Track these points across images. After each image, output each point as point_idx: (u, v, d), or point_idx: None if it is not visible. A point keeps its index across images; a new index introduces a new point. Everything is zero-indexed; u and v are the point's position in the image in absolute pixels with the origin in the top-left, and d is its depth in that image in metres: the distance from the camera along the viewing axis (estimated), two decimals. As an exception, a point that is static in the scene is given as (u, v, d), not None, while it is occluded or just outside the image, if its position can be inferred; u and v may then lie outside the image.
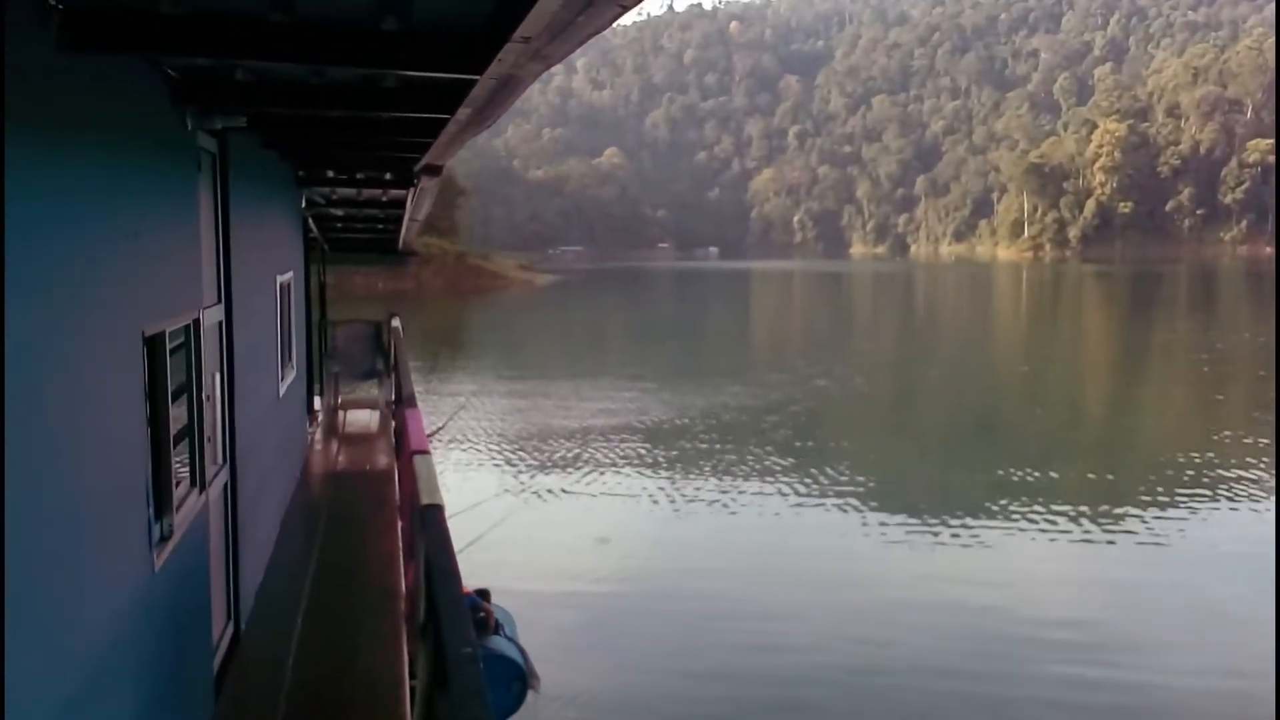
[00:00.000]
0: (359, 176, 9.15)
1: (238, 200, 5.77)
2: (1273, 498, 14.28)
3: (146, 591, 3.59)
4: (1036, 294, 75.86)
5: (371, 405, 13.25)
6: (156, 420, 3.87)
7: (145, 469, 3.59)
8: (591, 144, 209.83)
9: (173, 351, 4.12)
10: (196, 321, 4.56)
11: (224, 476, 5.54)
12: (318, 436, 11.54)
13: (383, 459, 10.49)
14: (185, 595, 4.32)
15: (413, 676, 5.16)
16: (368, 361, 13.54)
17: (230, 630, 5.63)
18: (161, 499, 3.93)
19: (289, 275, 8.86)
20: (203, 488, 4.71)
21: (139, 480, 3.54)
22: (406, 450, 4.99)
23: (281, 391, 8.16)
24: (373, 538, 7.62)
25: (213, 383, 4.97)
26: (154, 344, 3.82)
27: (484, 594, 5.78)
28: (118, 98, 3.42)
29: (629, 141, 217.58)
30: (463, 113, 4.58)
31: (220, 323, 5.48)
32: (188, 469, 4.52)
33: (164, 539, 3.92)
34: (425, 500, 3.74)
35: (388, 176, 8.97)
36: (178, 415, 4.28)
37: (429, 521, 3.53)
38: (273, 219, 7.69)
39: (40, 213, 2.62)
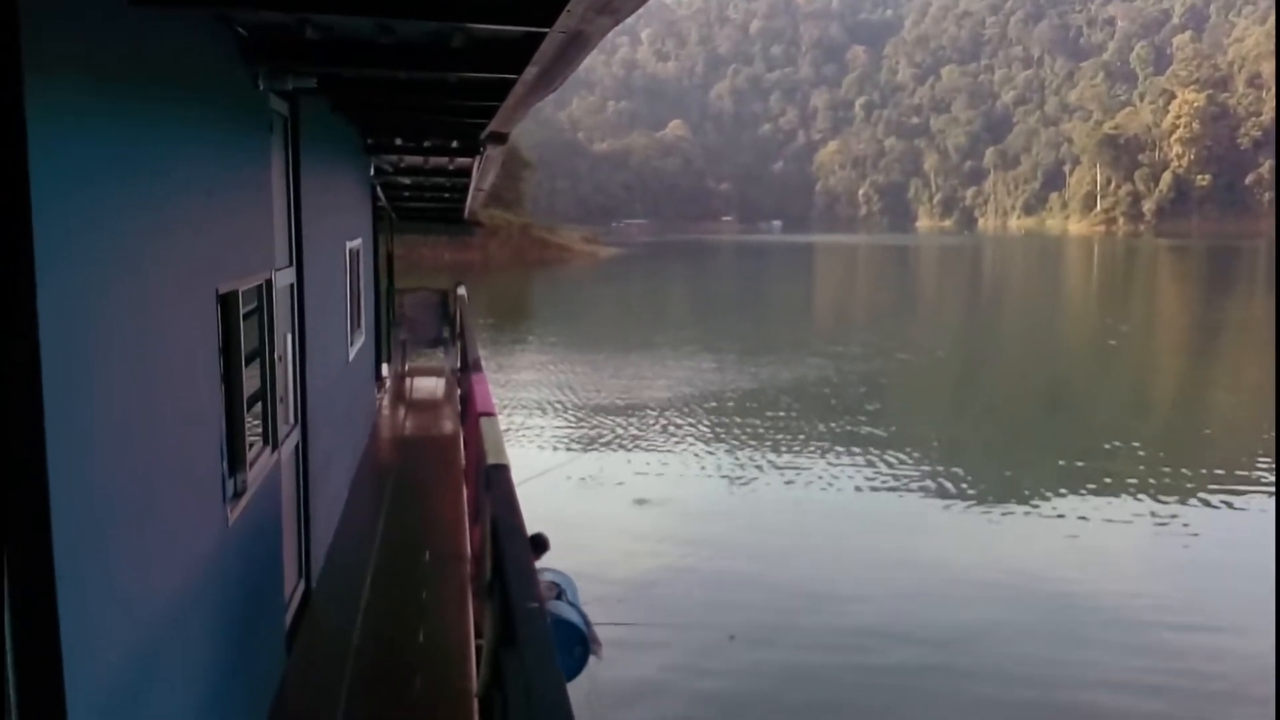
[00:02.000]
0: (426, 144, 9.18)
1: (308, 164, 5.81)
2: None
3: (220, 545, 3.65)
4: (1111, 268, 73.76)
5: (438, 373, 13.39)
6: (231, 378, 3.91)
7: (219, 425, 3.63)
8: (656, 116, 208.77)
9: (246, 315, 4.16)
10: (269, 282, 4.60)
11: (295, 437, 5.62)
12: (385, 403, 11.70)
13: (448, 425, 10.60)
14: (258, 551, 4.39)
15: (478, 637, 5.21)
16: (434, 329, 13.68)
17: (302, 588, 5.73)
18: (235, 456, 3.98)
19: (358, 242, 8.94)
20: (275, 446, 4.77)
21: (214, 436, 3.58)
22: (473, 413, 5.00)
23: (351, 356, 8.26)
24: (439, 501, 7.70)
25: (284, 344, 5.03)
26: (228, 303, 3.86)
27: (538, 540, 5.75)
28: (189, 55, 3.44)
29: (693, 114, 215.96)
30: (530, 72, 4.50)
31: (291, 285, 5.53)
32: (260, 428, 4.58)
33: (237, 495, 3.97)
34: (492, 460, 3.73)
35: (454, 144, 8.99)
36: (251, 376, 4.34)
37: (495, 481, 3.52)
38: (342, 185, 7.75)
39: (110, 167, 2.63)
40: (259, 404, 4.55)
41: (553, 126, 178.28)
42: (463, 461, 8.93)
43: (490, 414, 4.64)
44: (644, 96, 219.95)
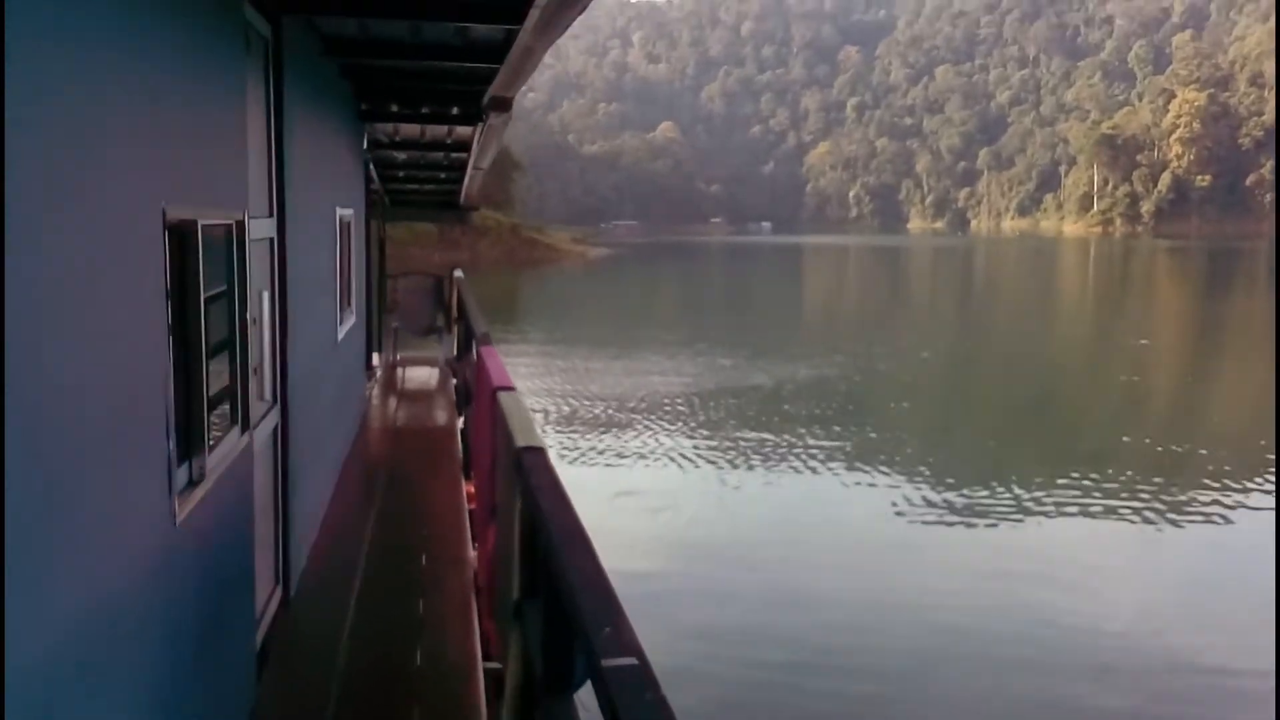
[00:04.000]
0: (424, 111, 8.46)
1: (293, 103, 4.97)
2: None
3: (164, 547, 2.80)
4: (1108, 269, 73.33)
5: (431, 363, 12.54)
6: (186, 335, 3.08)
7: (165, 393, 2.78)
8: (646, 118, 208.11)
9: (211, 258, 3.33)
10: (240, 225, 3.77)
11: (273, 419, 4.77)
12: (375, 393, 10.84)
13: (443, 416, 9.76)
14: (222, 554, 3.54)
15: (487, 658, 4.37)
16: (428, 317, 12.84)
17: (279, 596, 4.88)
18: (190, 436, 3.14)
19: (350, 212, 8.10)
20: (246, 427, 3.93)
21: (156, 407, 2.73)
22: (485, 390, 4.16)
23: (340, 336, 7.41)
24: (435, 499, 6.86)
25: (260, 304, 4.18)
26: (182, 237, 3.03)
27: None
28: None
29: (684, 115, 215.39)
30: (532, 17, 4.13)
31: (272, 240, 4.69)
32: (229, 405, 3.74)
33: (192, 484, 3.13)
34: (522, 442, 2.90)
35: (454, 111, 8.27)
36: (217, 336, 3.52)
37: (531, 468, 2.68)
38: (332, 143, 6.91)
39: (42, 65, 1.96)
40: (227, 374, 3.72)
41: (543, 129, 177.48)
42: (460, 455, 8.12)
43: (510, 388, 3.80)
44: (634, 99, 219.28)
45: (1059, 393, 22.21)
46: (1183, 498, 12.72)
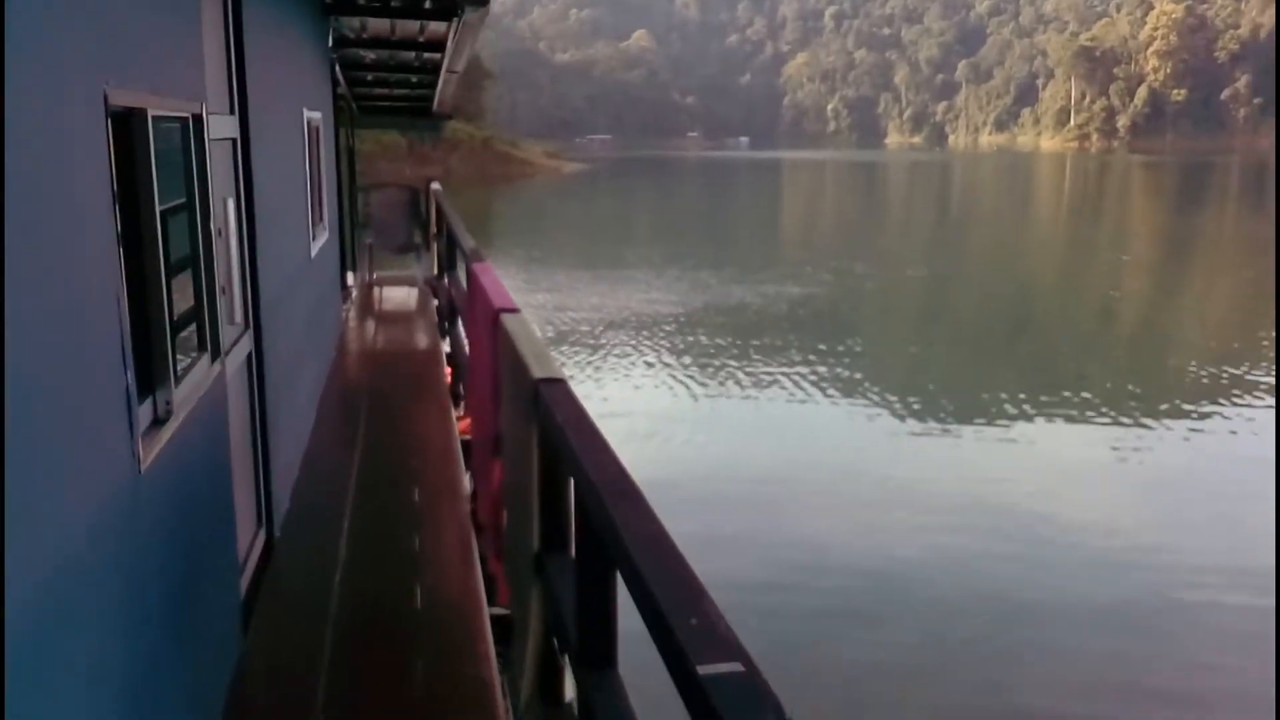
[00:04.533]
0: (394, 3, 7.82)
1: (253, -12, 4.40)
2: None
3: (128, 499, 2.38)
4: (1086, 184, 72.98)
5: (409, 282, 12.01)
6: (141, 248, 2.61)
7: (119, 317, 2.33)
8: (620, 26, 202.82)
9: (166, 159, 2.84)
10: (198, 120, 3.26)
11: (246, 344, 4.31)
12: (352, 314, 10.34)
13: (425, 339, 9.30)
14: (196, 499, 3.13)
15: (492, 603, 4.02)
16: (404, 233, 12.24)
17: (261, 539, 4.49)
18: (154, 367, 2.70)
19: (318, 115, 7.50)
20: (217, 354, 3.48)
21: (108, 333, 2.28)
22: (485, 311, 3.72)
23: (314, 252, 6.89)
24: (423, 428, 6.45)
25: (225, 213, 3.69)
26: (129, 127, 2.54)
27: None
28: None
29: (658, 23, 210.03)
30: None
31: (235, 141, 4.17)
32: (194, 331, 3.29)
33: (158, 423, 2.69)
34: (540, 372, 2.48)
35: (427, 4, 7.64)
36: (178, 248, 3.05)
37: (553, 402, 2.27)
38: (297, 35, 6.29)
39: None
40: (191, 295, 3.25)
41: (513, 36, 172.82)
42: (446, 380, 7.70)
43: (513, 309, 3.36)
44: (607, 4, 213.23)
45: (1043, 308, 22.02)
46: (1162, 408, 12.85)
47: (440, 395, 7.26)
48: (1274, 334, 10.16)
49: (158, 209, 2.71)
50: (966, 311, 21.74)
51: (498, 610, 3.95)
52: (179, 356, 2.95)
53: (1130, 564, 8.24)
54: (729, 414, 12.75)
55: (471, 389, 4.50)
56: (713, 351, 16.05)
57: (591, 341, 16.54)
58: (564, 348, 15.85)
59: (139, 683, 2.46)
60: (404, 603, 4.01)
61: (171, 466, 2.76)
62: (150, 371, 2.69)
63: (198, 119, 3.25)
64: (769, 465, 10.61)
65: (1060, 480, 10.32)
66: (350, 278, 11.47)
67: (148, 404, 2.65)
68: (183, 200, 3.15)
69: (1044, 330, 19.62)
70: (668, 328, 17.78)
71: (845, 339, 17.48)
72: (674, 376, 14.41)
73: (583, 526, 1.93)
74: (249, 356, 4.39)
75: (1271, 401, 12.99)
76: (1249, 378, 14.34)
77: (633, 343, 16.50)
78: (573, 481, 2.08)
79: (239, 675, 3.50)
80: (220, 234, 3.64)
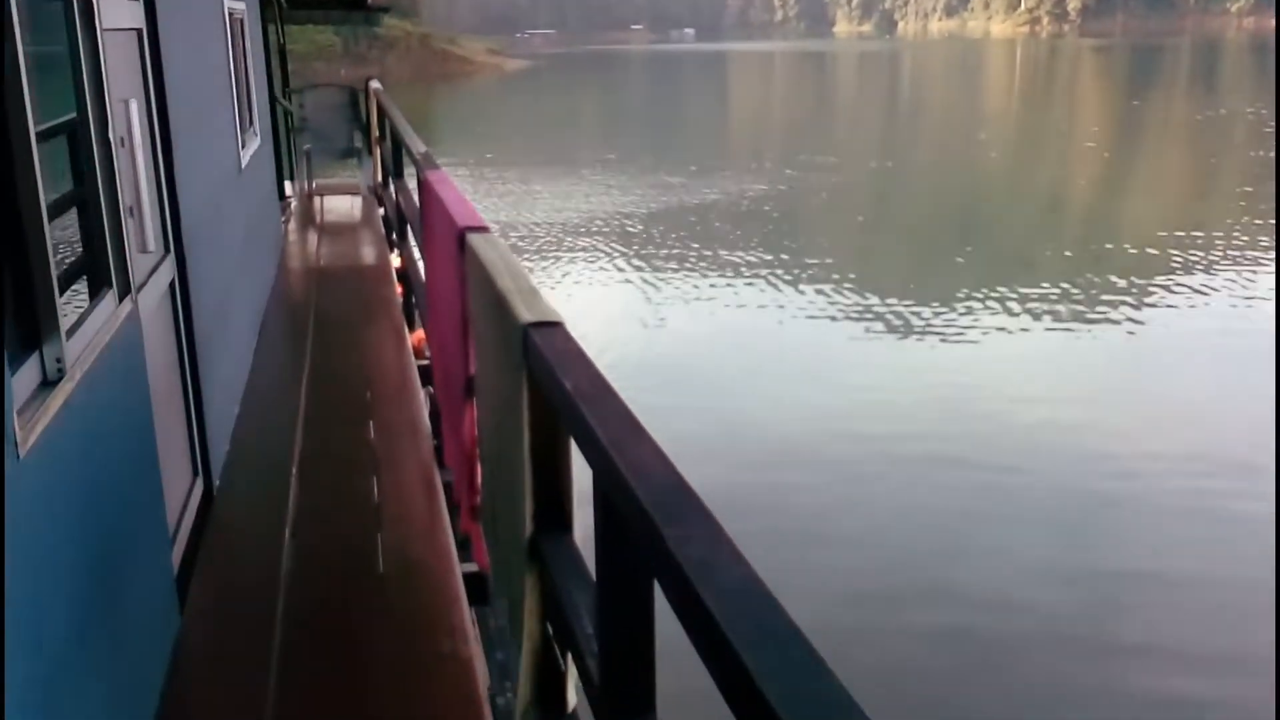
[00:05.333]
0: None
1: None
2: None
3: (12, 487, 1.87)
4: (1034, 71, 72.27)
5: (352, 190, 11.24)
6: (12, 166, 2.05)
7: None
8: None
9: (40, 58, 2.24)
10: (87, 5, 2.64)
11: (168, 272, 3.73)
12: (293, 228, 9.64)
13: (372, 254, 8.66)
14: (110, 463, 2.61)
15: (463, 559, 3.59)
16: (344, 137, 11.41)
17: (199, 490, 3.99)
18: (38, 319, 2.16)
19: (241, 6, 6.70)
20: (126, 290, 2.92)
21: None
22: (446, 231, 3.18)
23: (244, 162, 6.21)
24: (376, 355, 5.92)
25: (129, 117, 3.07)
26: None
27: None
28: None
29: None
30: None
31: (140, 32, 3.52)
32: (91, 266, 2.72)
33: (47, 385, 2.17)
34: (529, 315, 1.98)
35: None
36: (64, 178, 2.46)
37: (550, 353, 1.79)
38: None
39: None
40: (84, 223, 2.68)
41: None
42: (398, 300, 7.14)
43: (482, 228, 2.83)
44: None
45: (1001, 198, 21.74)
46: (1114, 295, 12.89)
47: (393, 316, 6.71)
48: (1274, 305, 10.35)
49: (30, 119, 2.13)
50: (930, 204, 21.41)
51: (471, 567, 3.52)
52: (74, 301, 2.41)
53: (1082, 453, 8.28)
54: (696, 316, 12.44)
55: (433, 319, 3.98)
56: (679, 253, 15.59)
57: (554, 246, 16.02)
58: (527, 255, 15.32)
59: (56, 688, 2.01)
60: (366, 562, 3.55)
61: (70, 435, 2.24)
62: (33, 326, 2.15)
63: (85, 3, 2.63)
64: (731, 368, 10.45)
65: (1013, 374, 10.35)
66: (289, 188, 10.70)
67: (31, 365, 2.11)
68: (71, 109, 2.56)
69: (1000, 219, 19.39)
70: (632, 229, 17.24)
71: (813, 236, 17.12)
72: (642, 279, 14.00)
73: (615, 535, 1.46)
74: (172, 286, 3.82)
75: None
76: (1199, 260, 14.42)
77: (598, 246, 16.00)
78: (579, 450, 1.61)
79: (177, 656, 3.04)
80: (123, 144, 3.04)
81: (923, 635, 5.93)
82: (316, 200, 10.97)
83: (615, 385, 1.60)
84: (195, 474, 3.99)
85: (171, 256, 3.79)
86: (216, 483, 4.14)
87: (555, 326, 1.92)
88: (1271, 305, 12.03)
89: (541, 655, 2.02)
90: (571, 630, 1.81)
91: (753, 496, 7.42)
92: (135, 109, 3.08)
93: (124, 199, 2.96)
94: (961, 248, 16.64)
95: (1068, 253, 15.97)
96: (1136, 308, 12.38)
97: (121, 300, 2.85)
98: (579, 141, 32.12)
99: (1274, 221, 14.23)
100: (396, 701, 2.82)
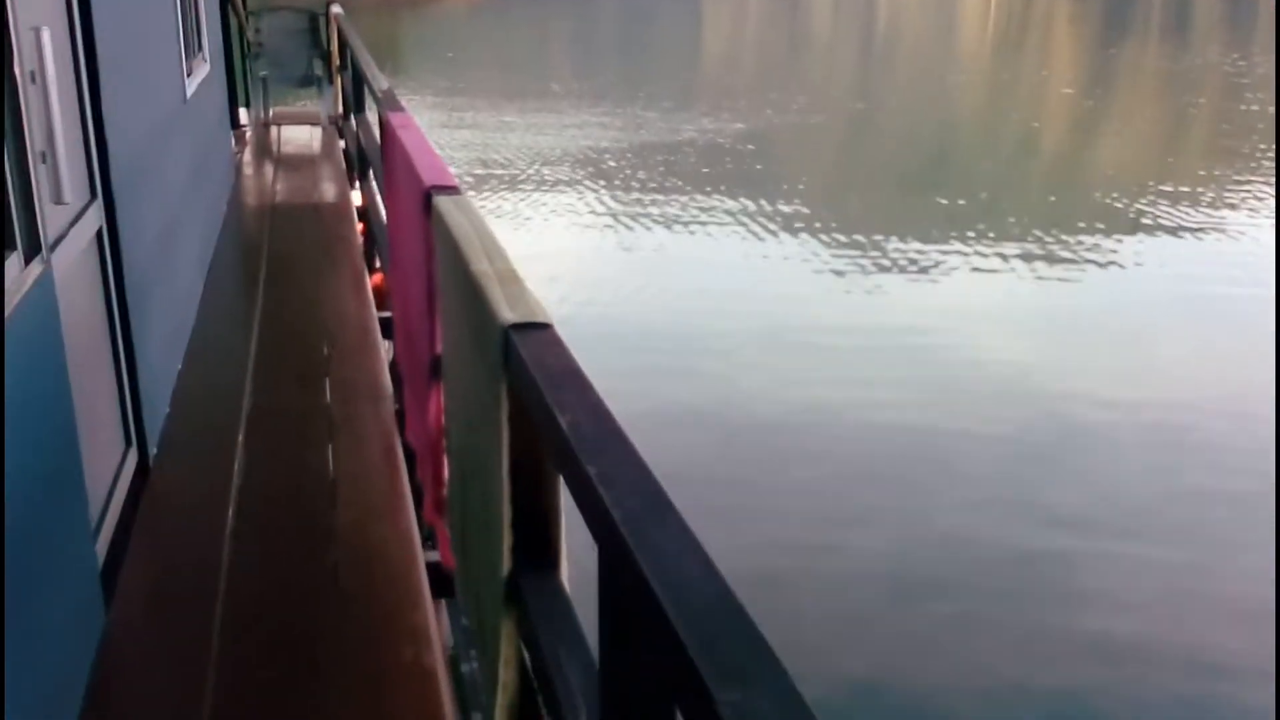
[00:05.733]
0: None
1: None
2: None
3: None
4: (1010, 12, 71.56)
5: (312, 120, 10.67)
6: None
7: None
8: None
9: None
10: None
11: (94, 220, 3.31)
12: (246, 159, 9.10)
13: (332, 190, 8.17)
14: (25, 445, 2.24)
15: (427, 547, 3.27)
16: (302, 64, 10.77)
17: (133, 462, 3.62)
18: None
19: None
20: (37, 249, 2.52)
21: None
22: (410, 187, 2.80)
23: (190, 91, 5.70)
24: (335, 302, 5.52)
25: (40, 47, 2.63)
26: None
27: None
28: None
29: None
30: None
31: (50, -55, 3.05)
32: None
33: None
34: (512, 314, 1.63)
35: None
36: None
37: (535, 362, 1.45)
38: None
39: None
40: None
41: None
42: (358, 240, 6.73)
43: (452, 189, 2.45)
44: None
45: (974, 140, 21.44)
46: (1079, 241, 12.94)
47: (353, 259, 6.30)
48: (1274, 294, 10.43)
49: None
50: (907, 146, 21.09)
51: (433, 557, 3.20)
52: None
53: (1038, 394, 8.46)
54: (676, 256, 12.33)
55: (396, 277, 3.60)
56: (659, 192, 15.19)
57: (531, 183, 15.57)
58: (502, 192, 14.87)
59: None
60: (316, 553, 3.22)
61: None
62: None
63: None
64: (702, 311, 10.38)
65: (976, 319, 10.41)
66: (244, 115, 10.11)
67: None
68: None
69: (977, 164, 19.15)
70: (608, 165, 16.78)
71: (795, 179, 16.77)
72: (619, 219, 13.65)
73: (627, 646, 1.13)
74: (99, 237, 3.40)
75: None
76: (1166, 210, 14.40)
77: (576, 182, 15.58)
78: (571, 500, 1.28)
79: (101, 659, 2.71)
80: (34, 80, 2.61)
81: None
82: (274, 130, 10.39)
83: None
84: (128, 444, 3.61)
85: (99, 203, 3.37)
86: (154, 451, 3.77)
87: (543, 330, 1.57)
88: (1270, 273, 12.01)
89: (519, 712, 1.72)
90: (555, 691, 1.50)
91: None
92: (47, 38, 2.64)
93: (34, 144, 2.54)
94: (938, 191, 16.39)
95: (1052, 198, 15.83)
96: (1102, 263, 12.39)
97: (29, 262, 2.45)
98: (551, 75, 31.18)
99: (1274, 187, 14.06)
100: (350, 715, 2.52)
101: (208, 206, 6.27)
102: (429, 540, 3.28)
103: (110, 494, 3.29)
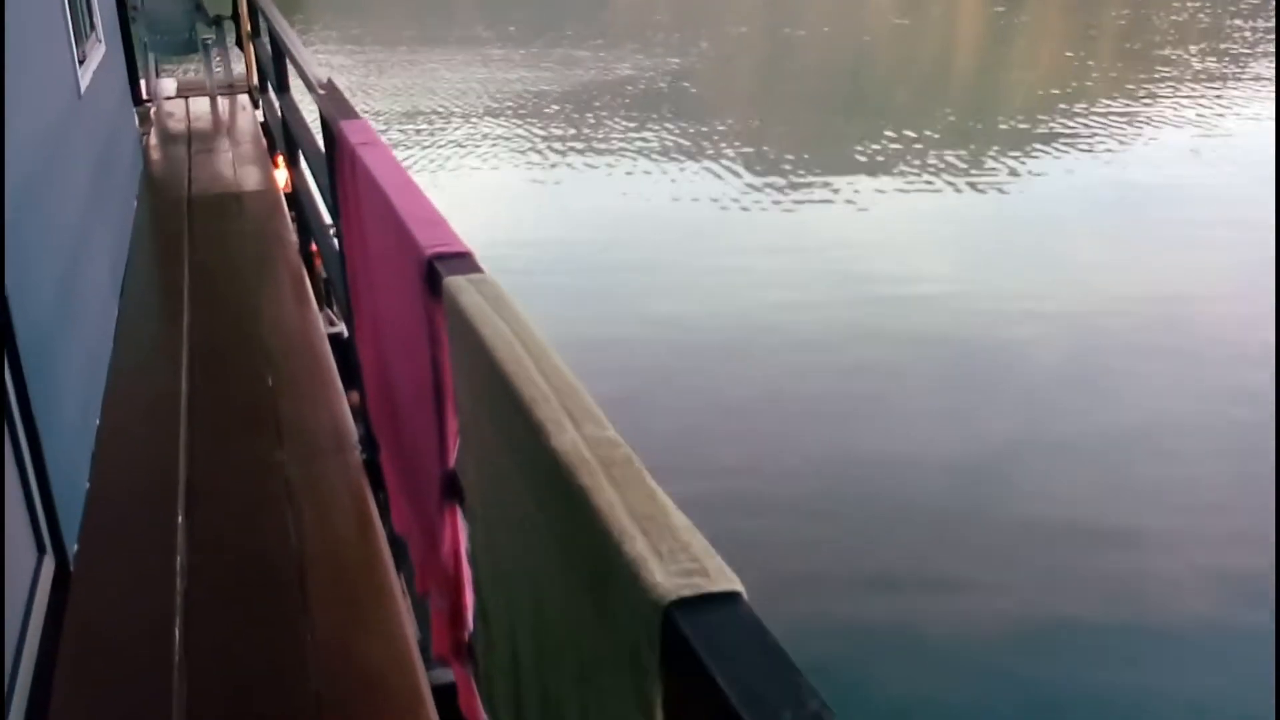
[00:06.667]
0: None
1: None
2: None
3: None
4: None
5: (214, 92, 9.54)
6: None
7: None
8: None
9: None
10: None
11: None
12: (153, 143, 8.15)
13: (254, 173, 7.28)
14: None
15: (430, 665, 2.65)
16: (183, 28, 9.52)
17: (49, 571, 2.92)
18: None
19: None
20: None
21: None
22: (400, 256, 2.14)
23: (84, 84, 4.83)
24: (275, 317, 4.78)
25: None
26: None
27: None
28: None
29: None
30: None
31: None
32: None
33: None
34: (668, 586, 0.97)
35: None
36: None
37: (706, 630, 0.80)
38: None
39: None
40: None
41: None
42: (292, 235, 5.95)
43: (462, 255, 1.79)
44: None
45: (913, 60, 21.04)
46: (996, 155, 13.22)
47: (289, 259, 5.54)
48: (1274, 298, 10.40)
49: None
50: (847, 70, 20.63)
51: (444, 677, 2.59)
52: None
53: (960, 308, 8.63)
54: (564, 185, 12.31)
55: (363, 330, 2.90)
56: (602, 134, 14.58)
57: (471, 129, 14.81)
58: (441, 145, 14.06)
59: None
60: (284, 635, 2.60)
61: None
62: None
63: None
64: (638, 245, 10.44)
65: (895, 236, 10.57)
66: (145, 88, 9.07)
67: None
68: None
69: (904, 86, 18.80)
70: (550, 109, 15.98)
71: (738, 111, 16.18)
72: (566, 164, 13.14)
73: None
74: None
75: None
76: (1085, 123, 14.63)
77: (519, 130, 14.84)
78: None
79: None
80: None
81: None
82: (179, 105, 9.37)
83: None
84: (40, 549, 2.92)
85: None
86: (73, 554, 3.07)
87: (726, 601, 0.95)
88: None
89: None
90: None
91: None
92: None
93: None
94: (876, 117, 16.01)
95: (975, 123, 15.63)
96: (1018, 171, 12.59)
97: None
98: (477, 16, 29.75)
99: (1273, 142, 13.85)
100: None
101: (116, 214, 5.43)
102: (428, 659, 2.66)
103: (26, 619, 2.62)
